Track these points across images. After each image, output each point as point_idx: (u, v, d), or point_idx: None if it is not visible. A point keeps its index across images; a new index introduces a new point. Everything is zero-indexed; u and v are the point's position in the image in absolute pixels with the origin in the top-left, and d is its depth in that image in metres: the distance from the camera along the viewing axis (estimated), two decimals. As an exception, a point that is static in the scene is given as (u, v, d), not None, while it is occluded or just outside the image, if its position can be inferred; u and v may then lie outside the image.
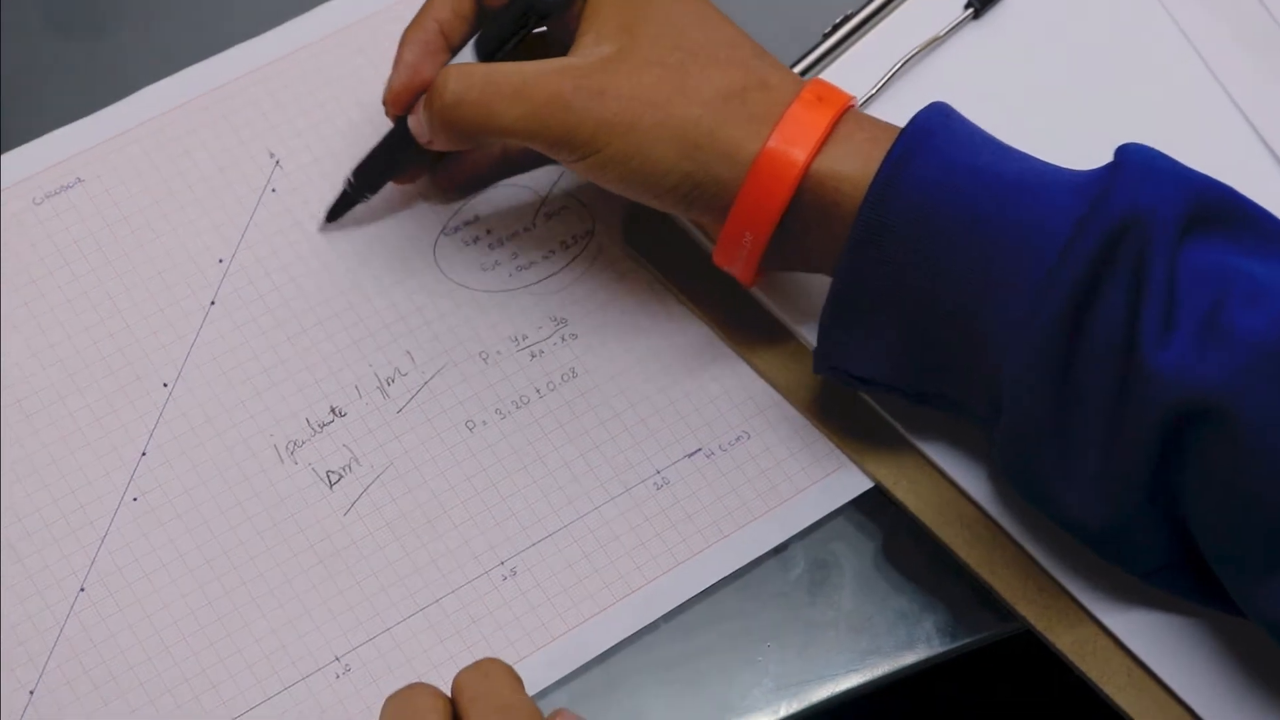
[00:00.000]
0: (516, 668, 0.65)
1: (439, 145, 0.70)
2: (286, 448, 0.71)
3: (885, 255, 0.64)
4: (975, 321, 0.63)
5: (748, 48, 0.68)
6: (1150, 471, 0.61)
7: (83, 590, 0.67)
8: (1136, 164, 0.62)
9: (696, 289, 0.74)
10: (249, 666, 0.67)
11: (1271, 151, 0.76)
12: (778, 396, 0.73)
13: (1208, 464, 0.60)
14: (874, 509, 0.72)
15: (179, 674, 0.66)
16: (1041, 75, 0.78)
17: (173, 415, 0.71)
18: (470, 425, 0.72)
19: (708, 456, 0.72)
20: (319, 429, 0.71)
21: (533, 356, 0.73)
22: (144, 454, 0.70)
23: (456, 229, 0.75)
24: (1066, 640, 0.68)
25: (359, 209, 0.75)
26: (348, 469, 0.71)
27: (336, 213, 0.75)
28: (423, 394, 0.72)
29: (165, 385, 0.71)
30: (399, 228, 0.75)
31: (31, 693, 0.66)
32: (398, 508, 0.70)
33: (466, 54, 0.70)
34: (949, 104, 0.66)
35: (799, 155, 0.65)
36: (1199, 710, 0.67)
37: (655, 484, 0.71)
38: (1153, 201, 0.61)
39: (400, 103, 0.71)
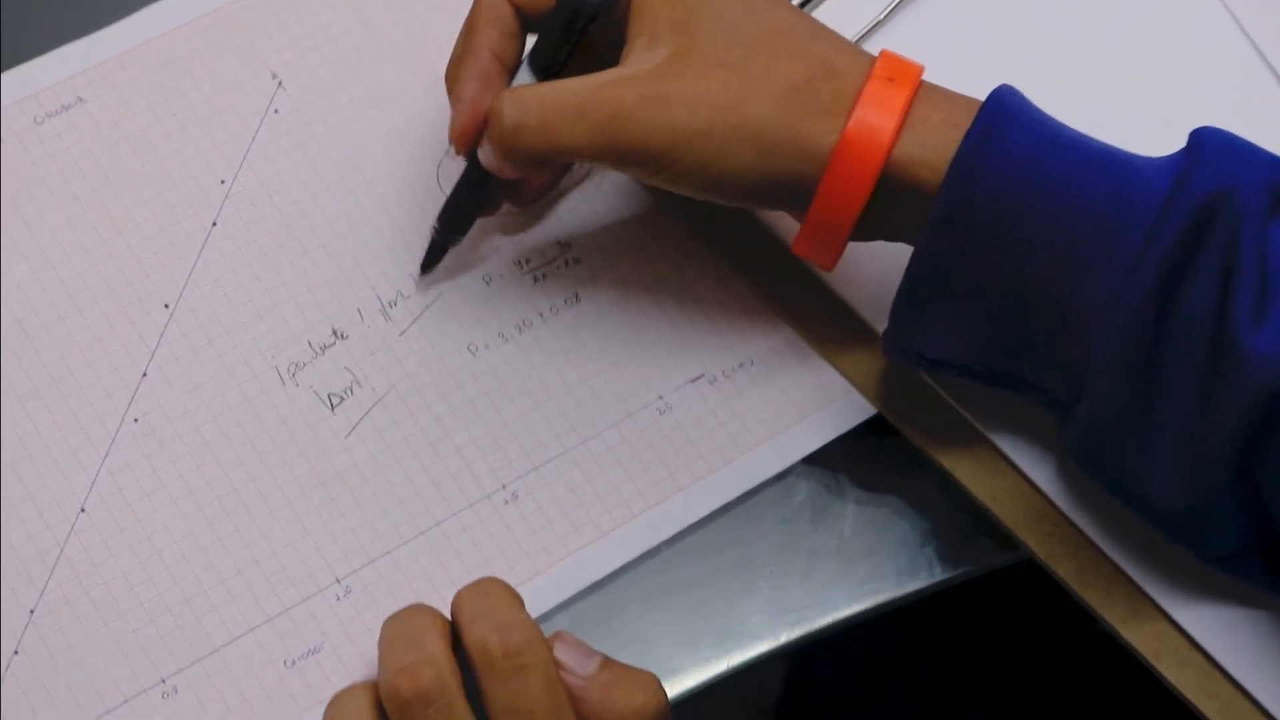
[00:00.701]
0: (518, 591, 0.65)
1: (508, 174, 0.67)
2: (288, 370, 0.70)
3: (968, 234, 0.62)
4: (1059, 302, 0.62)
5: (804, 31, 0.66)
6: (1237, 455, 0.60)
7: (83, 511, 0.67)
8: (1216, 144, 0.61)
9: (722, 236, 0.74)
10: (249, 588, 0.67)
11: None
12: (780, 324, 0.73)
13: None
14: (876, 436, 0.72)
15: (179, 594, 0.66)
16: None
17: (174, 336, 0.70)
18: (473, 349, 0.71)
19: (710, 382, 0.72)
20: (321, 351, 0.71)
21: (536, 280, 0.73)
22: (145, 375, 0.70)
23: (460, 151, 0.75)
24: (1068, 567, 0.68)
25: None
26: (349, 391, 0.70)
27: (430, 263, 0.72)
28: (426, 316, 0.72)
29: (166, 306, 0.71)
30: (403, 149, 0.75)
31: (32, 612, 0.66)
32: (399, 431, 0.70)
33: (523, 74, 0.67)
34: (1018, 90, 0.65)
35: (878, 146, 0.63)
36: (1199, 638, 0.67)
37: (658, 409, 0.71)
38: (1237, 180, 0.60)
39: (467, 140, 0.68)
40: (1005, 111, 0.62)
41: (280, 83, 0.75)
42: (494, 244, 0.73)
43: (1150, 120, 0.73)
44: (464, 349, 0.71)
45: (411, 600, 0.67)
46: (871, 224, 0.66)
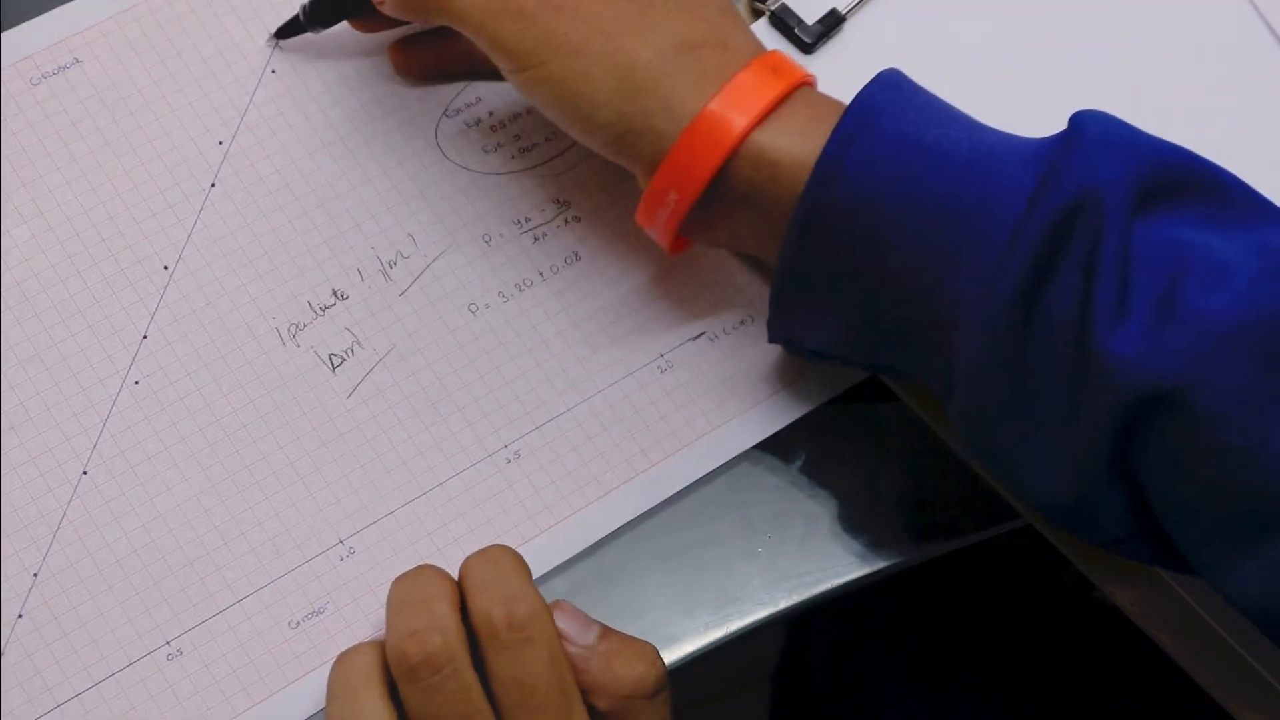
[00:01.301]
0: (521, 550, 0.65)
1: (390, 9, 0.68)
2: (288, 330, 0.70)
3: (832, 238, 0.62)
4: (928, 301, 0.61)
5: (718, 2, 0.66)
6: (1109, 454, 0.59)
7: (85, 473, 0.67)
8: (1090, 136, 0.60)
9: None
10: (253, 549, 0.67)
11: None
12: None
13: (1166, 450, 0.58)
14: (875, 402, 0.71)
15: (183, 556, 0.67)
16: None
17: (174, 298, 0.70)
18: (473, 308, 0.71)
19: (711, 340, 0.72)
20: (321, 312, 0.71)
21: (535, 239, 0.73)
22: (145, 337, 0.70)
23: (458, 111, 0.75)
24: (1062, 534, 0.68)
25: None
26: (350, 352, 0.70)
27: (285, 33, 0.74)
28: (425, 277, 0.72)
29: (166, 268, 0.71)
30: (401, 109, 0.74)
31: (35, 575, 0.66)
32: (401, 391, 0.70)
33: None
34: (900, 71, 0.64)
35: (740, 121, 0.62)
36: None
37: (659, 367, 0.71)
38: (1106, 176, 0.59)
39: None
40: (872, 114, 0.61)
41: (278, 43, 0.75)
42: (492, 203, 0.73)
43: (1144, 90, 0.74)
44: (464, 308, 0.71)
45: (415, 560, 0.67)
46: (720, 220, 0.65)
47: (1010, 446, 0.62)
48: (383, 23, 0.73)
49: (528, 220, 0.73)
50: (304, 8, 0.73)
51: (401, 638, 0.61)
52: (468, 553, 0.65)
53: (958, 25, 0.76)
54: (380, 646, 0.63)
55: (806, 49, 0.75)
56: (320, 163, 0.73)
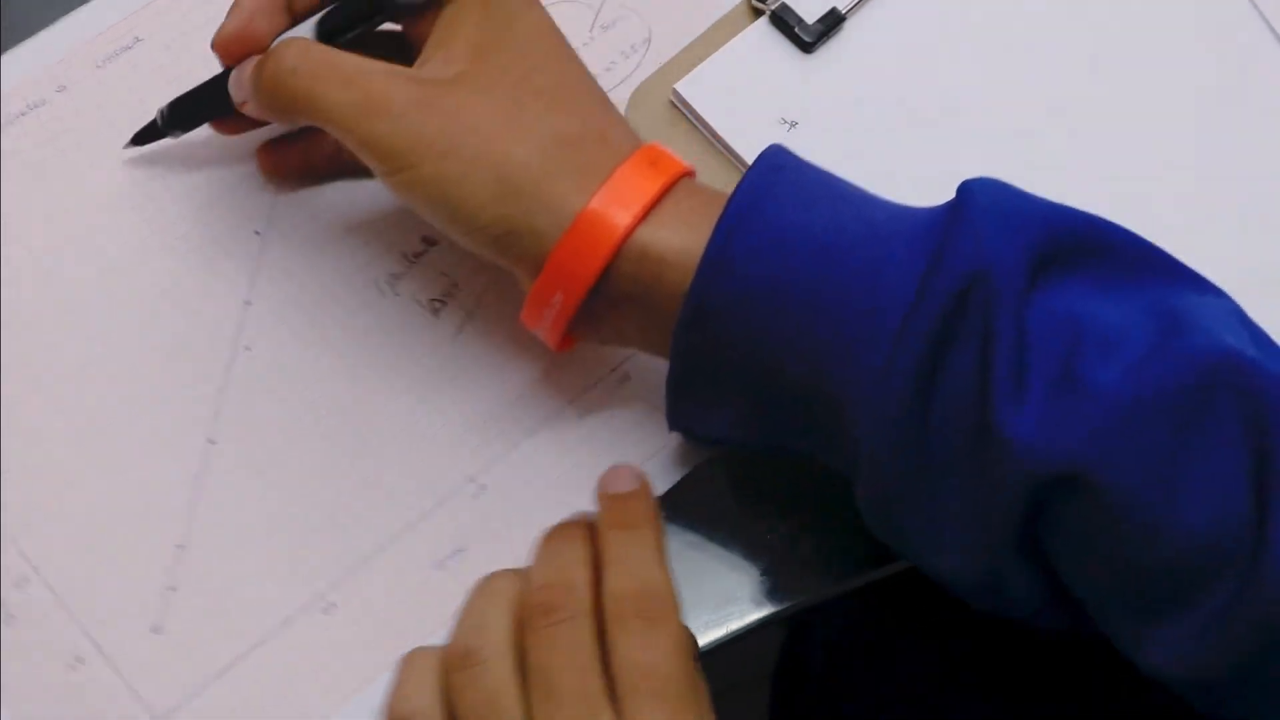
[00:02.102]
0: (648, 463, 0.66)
1: (253, 111, 0.66)
2: (386, 281, 0.71)
3: (722, 333, 0.60)
4: (823, 391, 0.60)
5: (595, 96, 0.65)
6: (1016, 535, 0.58)
7: (212, 442, 0.68)
8: (977, 211, 0.58)
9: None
10: (388, 495, 0.68)
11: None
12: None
13: (1073, 529, 0.58)
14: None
15: (321, 513, 0.67)
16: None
17: (270, 261, 0.71)
18: (562, 238, 0.73)
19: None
20: (414, 259, 0.72)
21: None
22: (249, 303, 0.70)
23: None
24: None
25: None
26: (449, 294, 0.71)
27: (142, 139, 0.72)
28: (510, 213, 0.73)
29: (258, 233, 0.71)
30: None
31: (180, 546, 0.67)
32: (506, 324, 0.71)
33: (306, 29, 0.66)
34: (784, 148, 0.63)
35: (623, 218, 0.61)
36: None
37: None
38: (996, 253, 0.57)
39: (228, 52, 0.67)
40: (756, 200, 0.60)
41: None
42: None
43: (1144, 87, 0.76)
44: (554, 240, 0.72)
45: (543, 494, 0.68)
46: (606, 319, 0.63)
47: (916, 530, 0.61)
48: (246, 124, 0.70)
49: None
50: (161, 112, 0.71)
51: (538, 588, 0.60)
52: (596, 476, 0.67)
53: (958, 24, 0.78)
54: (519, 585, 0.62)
55: (807, 48, 0.76)
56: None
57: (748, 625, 0.69)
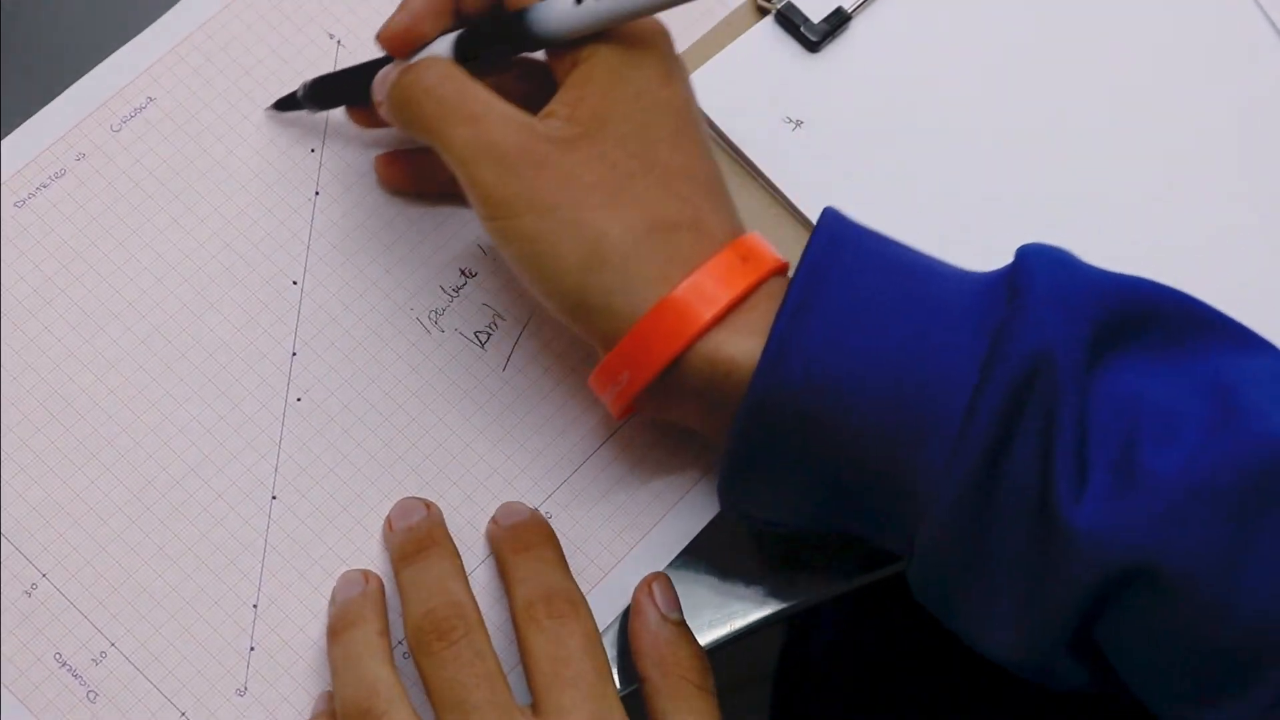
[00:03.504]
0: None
1: (383, 111, 0.67)
2: (429, 317, 0.71)
3: (779, 423, 0.60)
4: (883, 481, 0.60)
5: (706, 181, 0.64)
6: (1074, 624, 0.59)
7: (275, 498, 0.68)
8: (1037, 291, 0.59)
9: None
10: (455, 535, 0.68)
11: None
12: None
13: (1135, 621, 0.58)
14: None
15: (389, 561, 0.67)
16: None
17: (310, 310, 0.71)
18: (598, 259, 0.72)
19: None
20: (455, 293, 0.71)
21: (637, 180, 0.74)
22: (294, 354, 0.70)
23: (530, 71, 0.75)
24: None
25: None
26: (494, 325, 0.71)
27: (282, 106, 0.73)
28: (543, 238, 0.73)
29: (295, 283, 0.71)
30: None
31: (255, 606, 0.67)
32: (552, 351, 0.71)
33: (446, 44, 0.66)
34: (838, 214, 0.62)
35: (699, 317, 0.61)
36: None
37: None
38: (1057, 334, 0.58)
39: (393, 47, 0.67)
40: (809, 293, 0.60)
41: (339, 41, 0.75)
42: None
43: (1146, 85, 0.76)
44: (589, 261, 0.72)
45: (613, 511, 0.69)
46: (672, 401, 0.63)
47: (969, 611, 0.62)
48: (379, 120, 0.70)
49: (625, 163, 0.74)
50: (303, 86, 0.72)
51: (423, 615, 0.63)
52: (659, 494, 0.67)
53: (964, 23, 0.78)
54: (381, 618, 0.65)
55: (812, 47, 0.76)
56: (415, 146, 0.73)
57: (748, 625, 0.69)
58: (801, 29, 0.76)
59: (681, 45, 0.75)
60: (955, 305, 0.60)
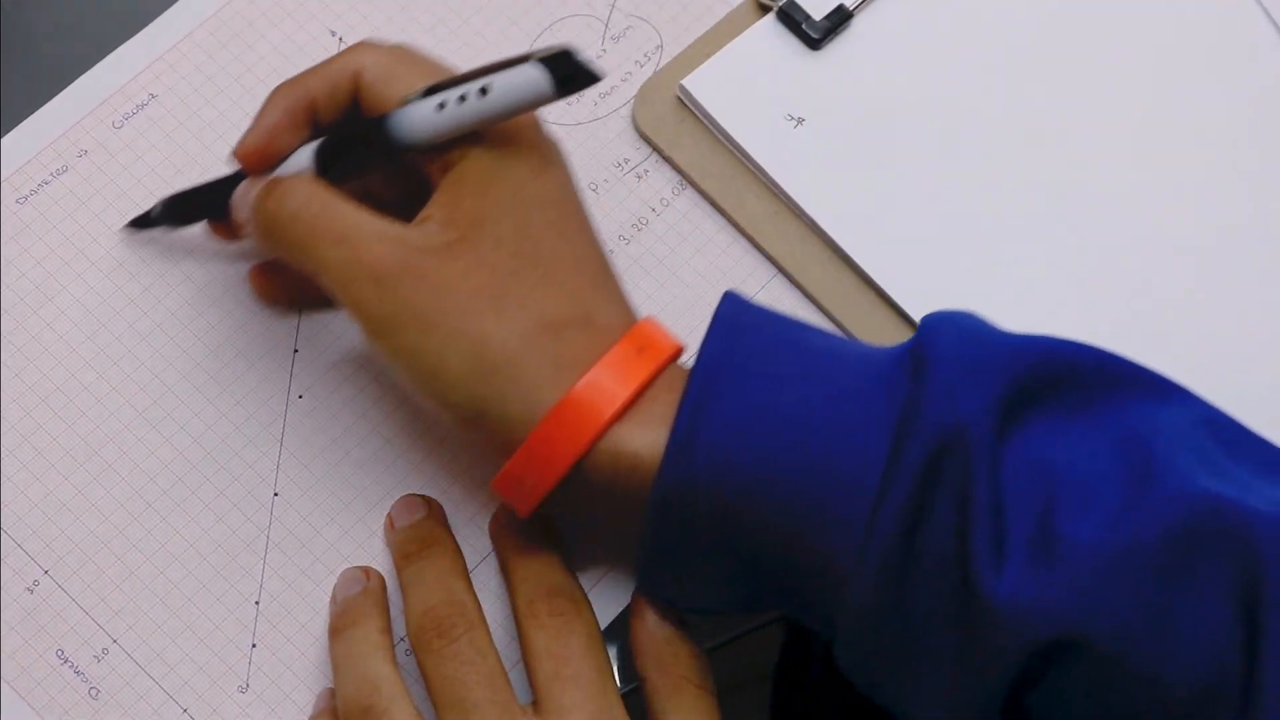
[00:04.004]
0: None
1: (247, 235, 0.65)
2: (431, 316, 0.71)
3: (693, 518, 0.59)
4: (800, 566, 0.59)
5: (592, 271, 0.63)
6: (1003, 695, 0.58)
7: (276, 495, 0.68)
8: (942, 363, 0.58)
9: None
10: (458, 533, 0.68)
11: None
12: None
13: (1068, 689, 0.57)
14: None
15: (390, 557, 0.68)
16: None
17: (313, 308, 0.71)
18: (600, 256, 0.73)
19: (830, 239, 0.73)
20: (456, 291, 0.72)
21: (639, 178, 0.74)
22: (296, 351, 0.70)
23: (532, 69, 0.75)
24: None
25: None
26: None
27: (137, 224, 0.71)
28: (545, 236, 0.73)
29: (297, 280, 0.71)
30: (477, 79, 0.75)
31: (257, 603, 0.67)
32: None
33: (307, 153, 0.65)
34: (738, 297, 0.62)
35: (597, 416, 0.60)
36: None
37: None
38: (965, 406, 0.57)
39: (250, 165, 0.65)
40: (711, 384, 0.59)
41: (340, 39, 0.75)
42: (588, 152, 0.74)
43: (1148, 83, 0.76)
44: (591, 258, 0.72)
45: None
46: (577, 498, 0.62)
47: (898, 690, 0.61)
48: (241, 232, 0.67)
49: (626, 161, 0.74)
50: (157, 206, 0.70)
51: (423, 612, 0.63)
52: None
53: (965, 20, 0.78)
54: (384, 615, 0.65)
55: (814, 45, 0.76)
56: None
57: (748, 625, 0.70)
58: (803, 26, 0.76)
59: (683, 43, 0.76)
60: (861, 384, 0.59)
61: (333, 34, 0.75)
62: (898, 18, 0.77)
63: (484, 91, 0.60)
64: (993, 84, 0.76)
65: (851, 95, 0.75)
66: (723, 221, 0.73)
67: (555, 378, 0.60)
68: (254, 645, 0.66)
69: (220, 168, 0.72)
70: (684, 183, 0.74)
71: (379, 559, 0.67)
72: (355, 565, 0.67)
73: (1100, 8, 0.78)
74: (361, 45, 0.65)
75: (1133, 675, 0.56)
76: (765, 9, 0.77)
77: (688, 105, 0.75)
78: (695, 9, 0.77)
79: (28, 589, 0.66)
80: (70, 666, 0.65)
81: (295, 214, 0.62)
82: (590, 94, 0.75)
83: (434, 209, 0.62)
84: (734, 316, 0.61)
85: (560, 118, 0.74)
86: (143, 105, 0.73)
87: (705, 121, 0.75)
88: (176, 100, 0.73)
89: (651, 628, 0.64)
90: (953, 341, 0.59)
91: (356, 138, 0.64)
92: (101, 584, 0.66)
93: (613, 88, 0.75)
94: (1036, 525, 0.56)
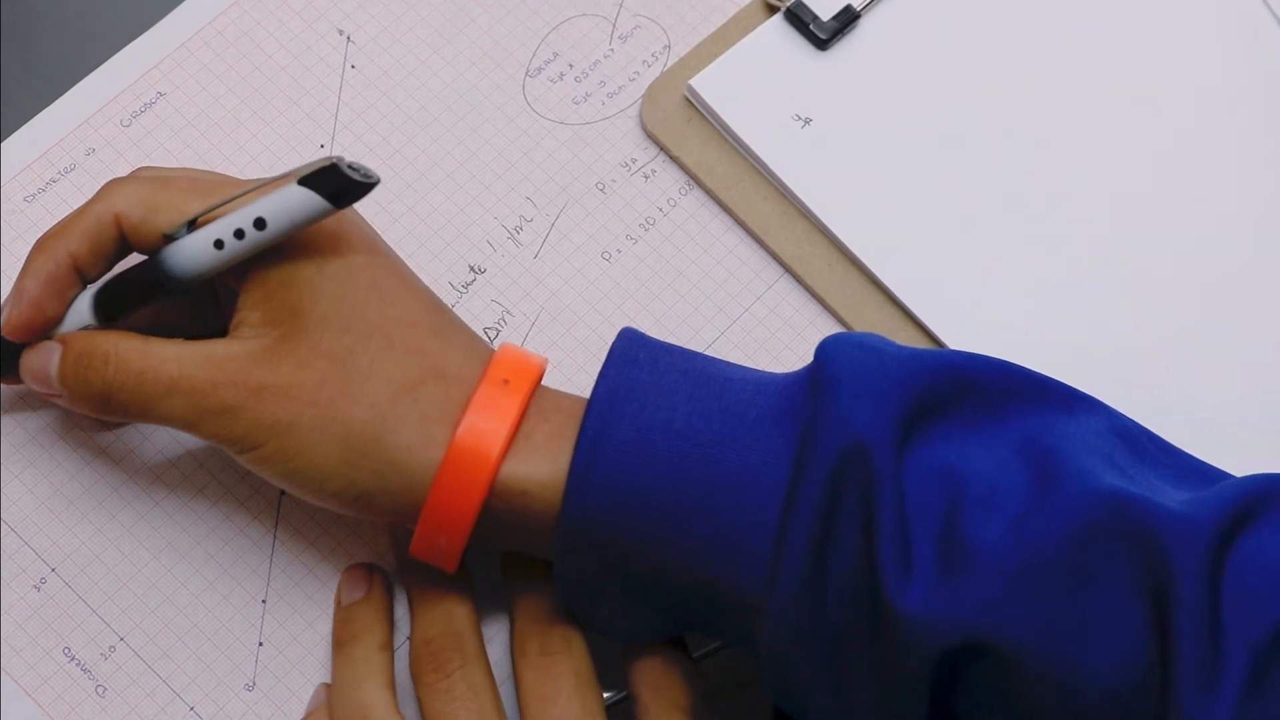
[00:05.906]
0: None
1: (86, 411, 0.64)
2: (439, 314, 0.71)
3: (596, 551, 0.59)
4: (714, 589, 0.59)
5: (426, 325, 0.62)
6: (927, 704, 0.58)
7: (283, 493, 0.68)
8: (838, 380, 0.58)
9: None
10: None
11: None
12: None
13: (987, 693, 0.58)
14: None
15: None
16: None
17: (320, 306, 0.71)
18: (606, 256, 0.73)
19: (837, 238, 0.73)
20: (464, 289, 0.72)
21: (646, 178, 0.74)
22: (304, 350, 0.70)
23: (539, 69, 0.75)
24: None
25: None
26: (503, 322, 0.71)
27: None
28: (552, 235, 0.73)
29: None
30: (485, 79, 0.75)
31: (264, 602, 0.67)
32: (561, 348, 0.71)
33: (84, 301, 0.63)
34: (634, 332, 0.62)
35: (488, 459, 0.59)
36: None
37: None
38: (866, 422, 0.57)
39: (22, 338, 0.64)
40: (609, 415, 0.59)
41: (348, 37, 0.75)
42: (596, 151, 0.74)
43: (1150, 81, 0.76)
44: (598, 258, 0.73)
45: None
46: (495, 539, 0.62)
47: (825, 708, 0.60)
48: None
49: (634, 160, 0.74)
50: None
51: (423, 642, 0.63)
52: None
53: (973, 21, 0.78)
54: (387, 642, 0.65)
55: (821, 45, 0.76)
56: (422, 146, 0.74)
57: None
58: (811, 27, 0.76)
59: (691, 43, 0.76)
60: (760, 410, 0.59)
61: (340, 33, 0.75)
62: (905, 18, 0.77)
63: (260, 224, 0.60)
64: (1000, 84, 0.76)
65: (859, 95, 0.75)
66: (730, 221, 0.73)
67: (426, 438, 0.60)
68: (260, 643, 0.66)
69: (226, 167, 0.72)
70: (691, 182, 0.74)
71: (385, 557, 0.67)
72: (359, 563, 0.67)
73: (1109, 9, 0.78)
74: (110, 186, 0.64)
75: (1047, 678, 0.56)
76: (773, 9, 0.77)
77: (695, 105, 0.75)
78: (703, 9, 0.77)
79: (34, 586, 0.66)
80: (77, 664, 0.65)
81: (111, 385, 0.61)
82: (598, 93, 0.75)
83: (245, 313, 0.61)
84: (629, 350, 0.61)
85: (567, 118, 0.75)
86: (151, 103, 0.73)
87: (713, 121, 0.75)
88: (184, 98, 0.73)
89: (648, 646, 0.64)
90: (851, 361, 0.59)
91: (133, 282, 0.63)
92: (108, 582, 0.66)
93: (620, 87, 0.75)
94: (942, 532, 0.57)
